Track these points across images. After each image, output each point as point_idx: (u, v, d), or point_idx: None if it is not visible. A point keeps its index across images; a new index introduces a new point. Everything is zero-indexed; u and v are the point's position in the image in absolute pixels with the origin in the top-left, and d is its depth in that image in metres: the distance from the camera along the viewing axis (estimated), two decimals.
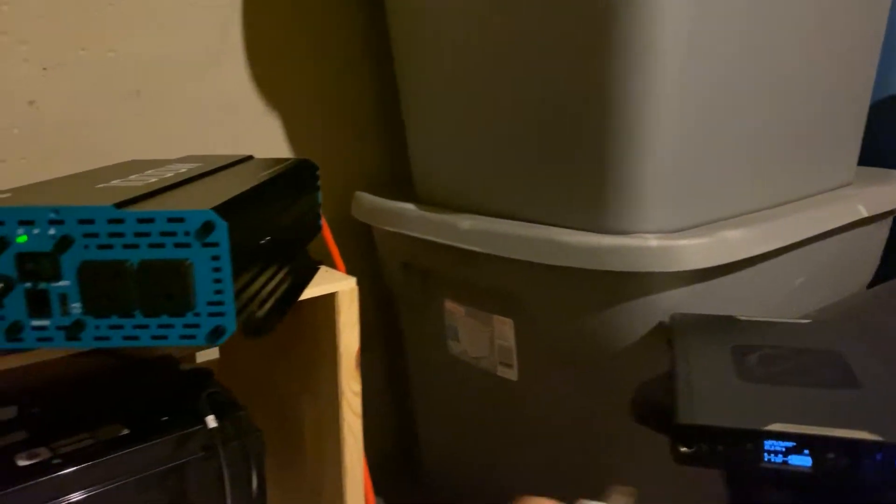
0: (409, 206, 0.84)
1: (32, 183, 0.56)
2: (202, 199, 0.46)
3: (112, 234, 0.43)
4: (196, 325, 0.45)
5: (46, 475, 0.52)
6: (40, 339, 0.44)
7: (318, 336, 0.68)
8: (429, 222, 0.79)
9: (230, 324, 0.45)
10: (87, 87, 0.81)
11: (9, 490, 0.50)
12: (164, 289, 0.43)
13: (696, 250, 0.62)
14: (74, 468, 0.53)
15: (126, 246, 0.43)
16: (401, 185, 1.03)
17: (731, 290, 0.68)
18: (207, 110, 0.90)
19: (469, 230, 0.73)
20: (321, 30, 0.99)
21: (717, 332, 0.61)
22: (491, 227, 0.71)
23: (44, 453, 0.56)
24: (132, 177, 0.57)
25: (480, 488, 0.93)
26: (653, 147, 0.64)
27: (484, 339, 0.82)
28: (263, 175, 0.60)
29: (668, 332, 0.62)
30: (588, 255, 0.64)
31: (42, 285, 0.43)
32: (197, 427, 0.60)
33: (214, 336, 0.45)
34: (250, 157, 0.73)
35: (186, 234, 0.43)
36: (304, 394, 0.72)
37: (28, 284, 0.43)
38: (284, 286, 0.59)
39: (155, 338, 0.45)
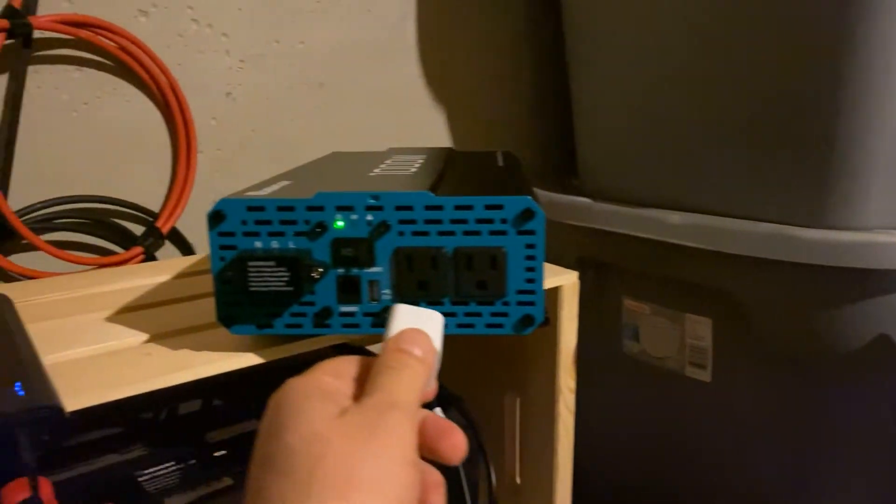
0: (589, 201, 0.82)
1: (287, 171, 0.56)
2: (505, 188, 0.45)
3: (428, 221, 0.42)
4: (504, 314, 0.44)
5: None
6: (346, 325, 0.44)
7: (536, 331, 0.67)
8: (623, 217, 0.77)
9: (539, 313, 0.44)
10: (278, 79, 0.82)
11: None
12: (477, 276, 0.43)
13: None
14: None
15: (441, 233, 0.42)
16: (559, 177, 1.02)
17: None
18: (380, 102, 0.90)
19: (680, 225, 0.71)
20: (486, 23, 0.98)
21: None
22: (706, 222, 0.69)
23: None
24: (382, 166, 0.56)
25: (647, 488, 0.91)
26: (883, 140, 0.62)
27: (672, 339, 0.81)
28: (502, 166, 0.59)
29: None
30: (827, 251, 0.62)
31: (354, 271, 0.43)
32: None
33: (523, 325, 0.44)
34: (451, 149, 0.72)
35: (503, 221, 0.42)
36: (510, 390, 0.71)
37: (341, 270, 0.43)
38: None
39: (461, 326, 0.44)
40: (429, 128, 0.96)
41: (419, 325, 0.37)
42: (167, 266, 0.67)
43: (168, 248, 0.76)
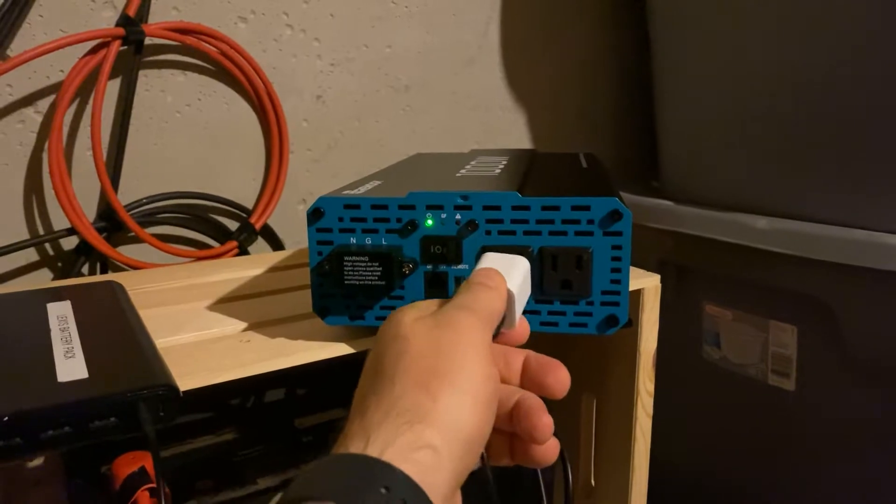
0: (671, 204, 0.82)
1: (377, 171, 0.58)
2: (592, 189, 0.46)
3: (515, 221, 0.44)
4: (588, 314, 0.45)
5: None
6: None
7: (616, 332, 0.67)
8: (707, 221, 0.76)
9: (623, 314, 0.44)
10: (365, 82, 0.84)
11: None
12: (562, 276, 0.44)
13: None
14: None
15: (527, 232, 0.44)
16: (640, 180, 1.01)
17: None
18: (463, 104, 0.92)
19: (768, 230, 0.70)
20: (569, 26, 0.98)
21: None
22: (796, 228, 0.68)
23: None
24: (467, 167, 0.58)
25: (722, 496, 0.89)
26: None
27: (754, 346, 0.79)
28: (586, 167, 0.60)
29: None
30: None
31: (442, 268, 0.45)
32: None
33: (606, 325, 0.45)
34: (534, 151, 0.73)
35: (590, 222, 0.43)
36: (587, 390, 0.71)
37: (429, 267, 0.45)
38: None
39: (544, 324, 0.45)
40: (510, 129, 0.97)
41: (502, 267, 0.39)
42: (259, 260, 0.70)
43: (259, 242, 0.80)
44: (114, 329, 0.40)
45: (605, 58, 1.03)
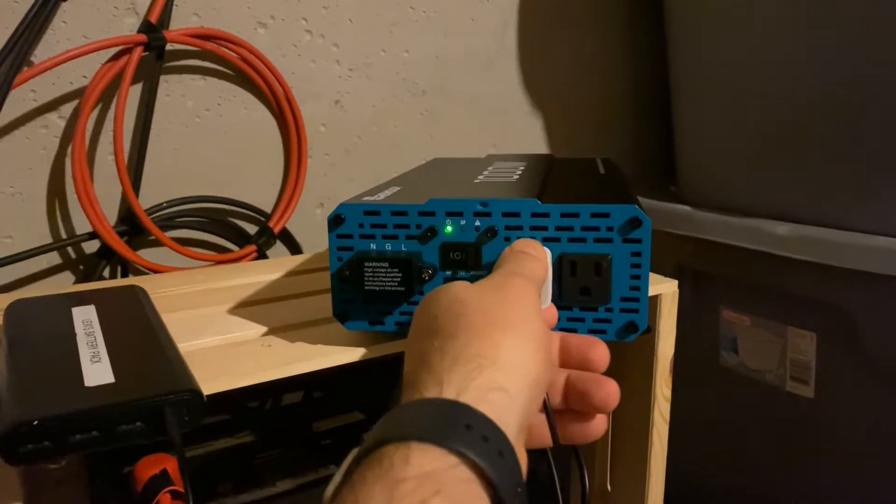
0: (689, 209, 0.81)
1: (396, 176, 0.58)
2: (611, 195, 0.46)
3: (534, 227, 0.44)
4: (607, 321, 0.45)
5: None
6: None
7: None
8: (726, 227, 0.76)
9: (643, 321, 0.44)
10: (383, 87, 0.85)
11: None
12: (581, 282, 0.44)
13: None
14: None
15: (546, 239, 0.44)
16: (657, 184, 1.01)
17: None
18: (480, 108, 0.92)
19: (788, 237, 0.69)
20: (585, 30, 0.98)
21: None
22: (817, 234, 0.67)
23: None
24: (485, 173, 0.58)
25: (739, 502, 0.89)
26: None
27: (772, 352, 0.79)
28: (604, 173, 0.60)
29: None
30: None
31: (461, 274, 0.45)
32: None
33: (626, 332, 0.45)
34: (551, 156, 0.73)
35: (609, 229, 0.43)
36: None
37: (448, 273, 0.45)
38: None
39: (563, 330, 0.45)
40: (527, 134, 0.97)
41: None
42: (278, 264, 0.71)
43: (277, 246, 0.81)
44: (138, 333, 0.41)
45: (622, 61, 1.03)
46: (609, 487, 0.73)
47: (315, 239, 0.83)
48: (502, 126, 0.94)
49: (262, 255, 0.77)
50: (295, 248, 0.81)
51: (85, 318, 0.42)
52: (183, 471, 0.30)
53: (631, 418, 0.68)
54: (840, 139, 0.68)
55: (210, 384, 0.39)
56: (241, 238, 0.77)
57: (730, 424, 0.87)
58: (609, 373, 0.70)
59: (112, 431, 0.32)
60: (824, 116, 0.69)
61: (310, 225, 0.83)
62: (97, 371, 0.35)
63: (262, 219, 0.78)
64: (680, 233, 0.82)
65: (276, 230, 0.77)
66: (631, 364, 0.67)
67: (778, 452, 0.82)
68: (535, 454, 0.59)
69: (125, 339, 0.40)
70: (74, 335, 0.40)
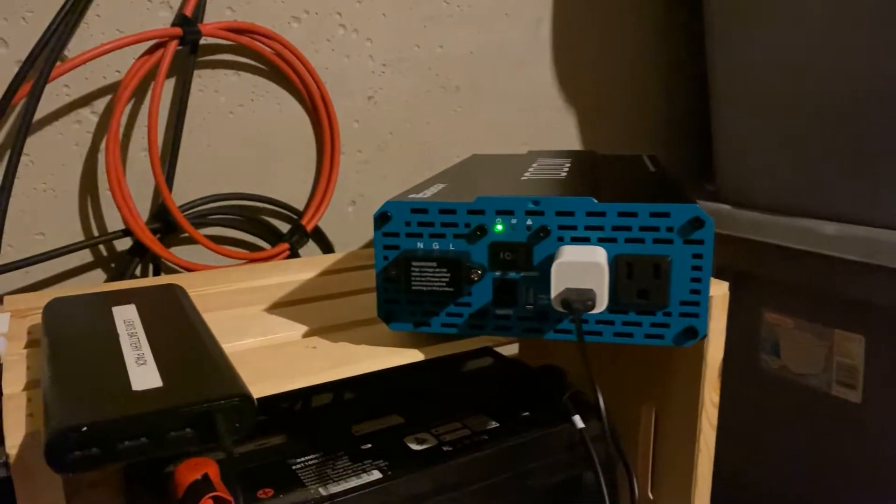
0: (729, 208, 0.79)
1: (438, 173, 0.57)
2: (668, 195, 0.44)
3: (589, 227, 0.42)
4: (665, 325, 0.43)
5: (441, 462, 0.52)
6: (499, 329, 0.45)
7: None
8: (771, 226, 0.74)
9: (702, 326, 0.43)
10: (416, 83, 0.83)
11: (408, 475, 0.49)
12: (639, 285, 0.42)
13: None
14: (466, 457, 0.53)
15: (602, 239, 0.42)
16: (693, 182, 0.99)
17: None
18: (514, 104, 0.90)
19: (836, 237, 0.67)
20: (620, 24, 0.96)
21: None
22: (868, 234, 0.65)
23: (430, 439, 0.57)
24: (530, 170, 0.56)
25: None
26: None
27: (818, 356, 0.76)
28: (654, 171, 0.58)
29: None
30: None
31: (511, 275, 0.43)
32: (561, 426, 0.59)
33: (685, 337, 0.43)
34: (594, 152, 0.71)
35: (669, 229, 0.41)
36: (647, 400, 0.69)
37: (497, 273, 0.43)
38: None
39: (618, 335, 0.43)
40: (560, 130, 0.95)
41: (584, 256, 0.40)
42: (311, 263, 0.70)
43: (309, 244, 0.79)
44: (181, 334, 0.40)
45: (657, 56, 1.01)
46: (651, 495, 0.71)
47: (347, 237, 0.82)
48: (535, 123, 0.93)
49: (294, 254, 0.75)
50: (327, 247, 0.80)
51: (126, 318, 0.41)
52: (232, 478, 0.29)
53: (677, 424, 0.66)
54: (892, 137, 0.66)
55: (259, 387, 0.38)
56: (273, 236, 0.76)
57: (771, 429, 0.85)
58: (653, 378, 0.68)
59: (162, 438, 0.30)
60: (876, 113, 0.67)
61: (342, 223, 0.82)
62: (144, 374, 0.33)
63: (295, 216, 0.77)
64: (721, 232, 0.80)
65: (309, 228, 0.75)
66: (677, 369, 0.65)
67: (822, 458, 0.80)
68: (582, 462, 0.57)
69: (169, 341, 0.38)
70: (117, 336, 0.38)
